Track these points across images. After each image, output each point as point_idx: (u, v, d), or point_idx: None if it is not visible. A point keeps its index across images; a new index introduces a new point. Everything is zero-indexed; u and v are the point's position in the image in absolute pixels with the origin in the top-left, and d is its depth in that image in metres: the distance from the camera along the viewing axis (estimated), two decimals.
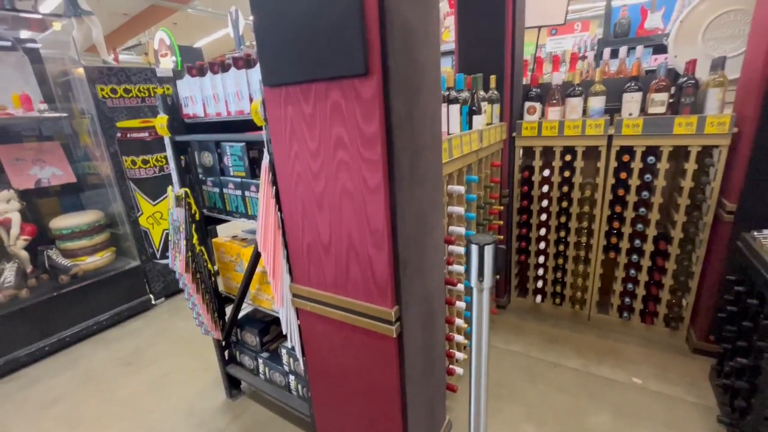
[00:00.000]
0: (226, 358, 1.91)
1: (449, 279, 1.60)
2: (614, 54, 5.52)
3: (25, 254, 2.49)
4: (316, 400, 1.45)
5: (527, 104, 2.21)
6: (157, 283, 3.00)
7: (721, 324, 1.72)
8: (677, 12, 5.08)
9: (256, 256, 1.46)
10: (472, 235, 0.98)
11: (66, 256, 2.63)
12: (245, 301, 1.66)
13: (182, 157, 1.61)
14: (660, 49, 3.76)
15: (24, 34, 2.66)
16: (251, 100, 1.29)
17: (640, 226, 2.07)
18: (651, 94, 1.92)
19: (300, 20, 0.93)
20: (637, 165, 1.99)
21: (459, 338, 1.70)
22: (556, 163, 2.19)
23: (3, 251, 2.44)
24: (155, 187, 2.84)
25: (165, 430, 1.80)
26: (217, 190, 1.58)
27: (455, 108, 1.60)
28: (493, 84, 2.09)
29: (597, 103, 2.04)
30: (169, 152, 1.57)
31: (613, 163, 2.05)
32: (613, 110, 2.14)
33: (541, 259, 2.40)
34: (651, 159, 1.96)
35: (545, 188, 2.25)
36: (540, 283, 2.47)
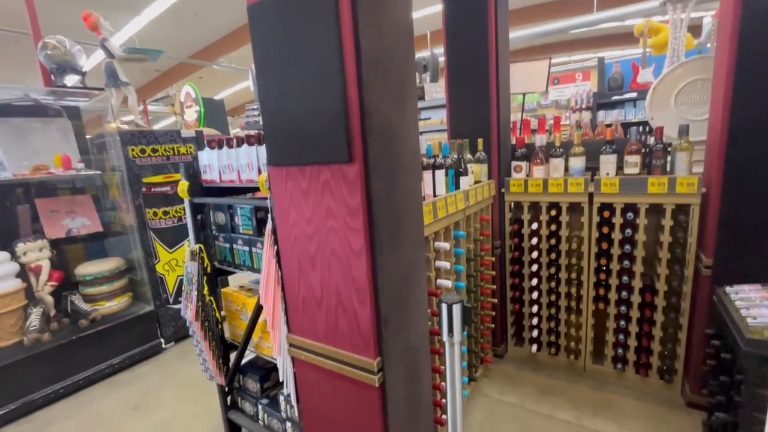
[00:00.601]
0: (228, 404, 2.00)
1: (435, 330, 1.71)
2: (608, 106, 5.79)
3: (50, 299, 2.69)
4: None
5: (514, 163, 2.40)
6: (169, 328, 3.14)
7: (706, 377, 1.76)
8: (666, 68, 5.40)
9: (259, 308, 1.61)
10: (443, 295, 1.12)
11: (87, 301, 2.82)
12: (248, 348, 1.79)
13: (199, 215, 1.82)
14: None
15: (68, 99, 3.04)
16: (260, 171, 1.50)
17: (625, 278, 2.16)
18: (626, 156, 2.10)
19: (298, 117, 1.15)
20: (617, 220, 2.12)
21: None
22: (543, 217, 2.34)
23: (31, 296, 2.64)
24: (173, 236, 3.06)
25: None
26: (227, 245, 1.77)
27: (441, 173, 1.79)
28: (480, 146, 2.30)
29: (577, 163, 2.21)
30: (187, 212, 1.78)
31: (596, 218, 2.19)
32: (594, 168, 2.30)
33: (535, 308, 2.47)
34: (630, 215, 2.09)
35: (534, 240, 2.38)
36: (535, 333, 2.52)
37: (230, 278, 2.05)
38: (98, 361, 2.71)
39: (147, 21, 9.94)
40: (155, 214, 2.95)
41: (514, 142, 2.54)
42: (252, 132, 1.54)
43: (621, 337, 2.24)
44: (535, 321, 2.49)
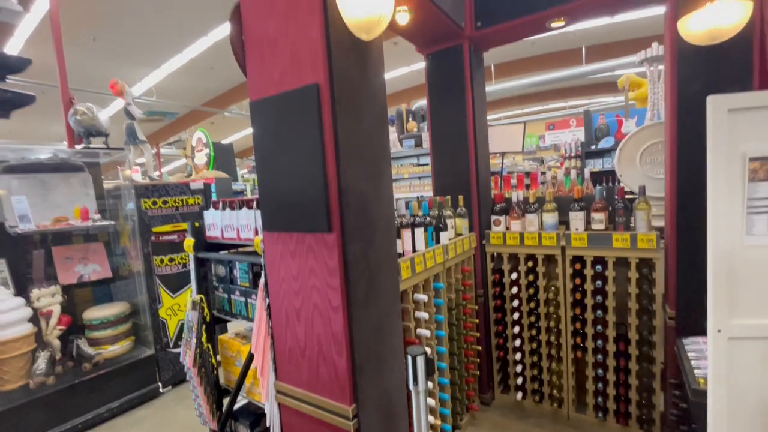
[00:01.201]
0: None
1: None
2: (596, 155, 6.08)
3: (57, 343, 2.83)
4: None
5: (493, 217, 2.61)
6: (167, 372, 3.23)
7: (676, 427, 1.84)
8: (648, 120, 5.73)
9: (251, 356, 1.76)
10: (408, 347, 1.28)
11: (91, 344, 2.95)
12: (240, 393, 1.90)
13: (202, 268, 2.01)
14: None
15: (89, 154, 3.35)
16: (256, 232, 1.71)
17: (599, 327, 2.28)
18: (592, 213, 2.29)
19: (288, 192, 1.37)
20: (588, 272, 2.28)
21: None
22: (522, 268, 2.50)
23: (40, 339, 2.79)
24: (176, 282, 3.24)
25: None
26: (226, 295, 1.94)
27: (420, 231, 1.99)
28: (461, 202, 2.51)
29: (550, 219, 2.41)
30: (192, 265, 1.97)
31: (569, 270, 2.35)
32: (567, 222, 2.49)
33: (518, 355, 2.57)
34: (599, 267, 2.25)
35: (515, 289, 2.53)
36: (520, 380, 2.60)
37: (228, 325, 2.21)
38: (98, 405, 2.79)
39: (165, 74, 10.72)
40: (162, 261, 3.14)
41: (494, 195, 2.76)
42: (249, 198, 1.77)
43: (600, 385, 2.32)
44: (519, 368, 2.58)
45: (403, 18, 2.09)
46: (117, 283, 3.37)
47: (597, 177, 6.10)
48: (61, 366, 2.80)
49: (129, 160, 3.26)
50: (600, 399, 2.33)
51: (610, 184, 5.13)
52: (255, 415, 2.05)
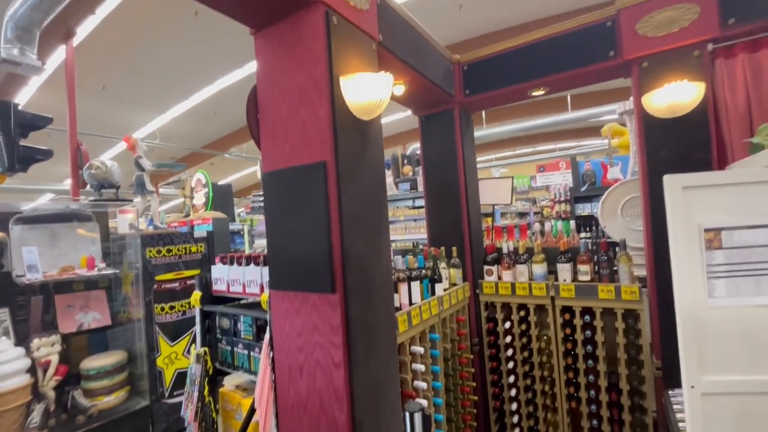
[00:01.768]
0: None
1: None
2: (584, 199, 6.31)
3: (52, 394, 2.80)
4: None
5: (486, 267, 2.73)
6: (161, 423, 3.17)
7: None
8: (630, 168, 6.00)
9: (252, 410, 1.80)
10: (406, 404, 1.35)
11: (86, 395, 2.92)
12: None
13: (206, 320, 2.09)
14: None
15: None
16: (262, 288, 1.81)
17: (591, 377, 2.34)
18: (578, 264, 2.43)
19: (295, 255, 1.50)
20: (578, 322, 2.37)
21: None
22: (514, 317, 2.59)
23: (35, 391, 2.77)
24: (175, 329, 3.26)
25: None
26: (229, 348, 2.01)
27: (416, 284, 2.10)
28: (455, 253, 2.65)
29: (539, 270, 2.54)
30: (197, 318, 2.05)
31: (559, 319, 2.44)
32: (555, 271, 2.62)
33: (514, 405, 2.60)
34: (587, 317, 2.35)
35: (508, 338, 2.60)
36: (517, 431, 2.61)
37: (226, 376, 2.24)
38: None
39: (169, 119, 11.14)
40: (162, 309, 3.19)
41: (486, 245, 2.90)
42: (260, 252, 1.88)
43: None
44: (516, 419, 2.60)
45: (399, 90, 2.33)
46: (114, 330, 3.38)
47: (586, 220, 6.31)
48: (55, 419, 2.76)
49: (136, 210, 3.39)
50: None
51: (597, 228, 5.32)
52: None
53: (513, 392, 2.60)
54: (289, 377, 1.56)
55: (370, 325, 1.52)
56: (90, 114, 9.38)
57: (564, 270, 2.44)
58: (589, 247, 2.49)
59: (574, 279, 2.45)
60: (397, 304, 2.02)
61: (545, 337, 2.55)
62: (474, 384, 2.58)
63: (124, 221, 3.56)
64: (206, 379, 1.94)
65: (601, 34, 2.22)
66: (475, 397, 2.53)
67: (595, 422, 2.34)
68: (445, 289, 2.39)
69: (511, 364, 2.60)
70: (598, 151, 14.37)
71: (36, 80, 7.68)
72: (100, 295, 3.29)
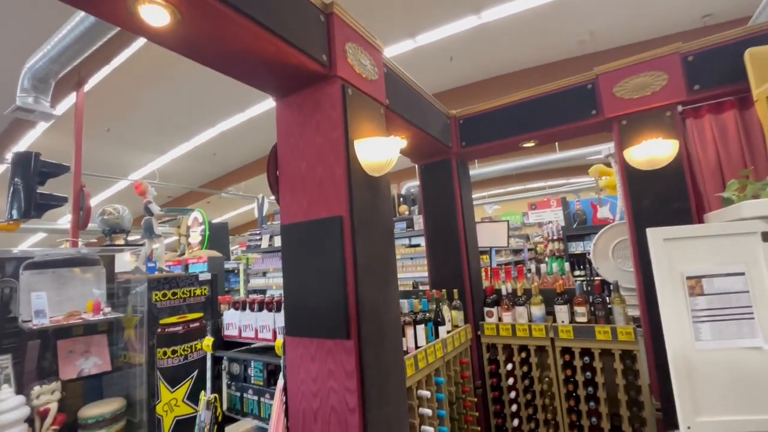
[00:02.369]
0: None
1: None
2: (576, 238, 6.48)
3: None
4: None
5: (486, 309, 2.82)
6: None
7: None
8: (619, 208, 6.22)
9: None
10: None
11: None
12: None
13: (216, 366, 2.13)
14: None
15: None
16: (274, 333, 1.88)
17: (594, 419, 2.38)
18: (575, 306, 2.53)
19: (312, 304, 1.59)
20: (577, 363, 2.44)
21: None
22: (516, 359, 2.65)
23: None
24: (176, 375, 3.23)
25: None
26: (238, 394, 2.04)
27: (421, 327, 2.18)
28: (456, 295, 2.74)
29: (537, 311, 2.64)
30: (208, 363, 2.09)
31: (560, 360, 2.51)
32: (553, 312, 2.71)
33: None
34: (587, 358, 2.42)
35: (511, 380, 2.64)
36: None
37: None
38: None
39: (169, 159, 11.39)
40: (164, 353, 3.18)
41: (485, 286, 3.00)
42: (272, 297, 1.96)
43: None
44: None
45: (402, 144, 2.53)
46: (112, 376, 3.33)
47: (579, 259, 6.45)
48: None
49: (144, 253, 3.46)
50: None
51: (590, 267, 5.45)
52: None
53: None
54: (303, 423, 1.60)
55: (383, 370, 1.59)
56: (93, 155, 9.59)
57: (561, 312, 2.54)
58: (584, 289, 2.60)
59: (572, 320, 2.54)
60: (404, 348, 2.10)
61: (547, 379, 2.59)
62: (479, 428, 2.58)
63: (123, 261, 3.62)
64: (215, 426, 1.96)
65: (583, 95, 2.47)
66: None
67: None
68: (448, 332, 2.47)
69: (514, 407, 2.62)
70: (586, 189, 14.86)
71: (42, 125, 7.92)
72: (101, 339, 3.28)
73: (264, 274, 8.18)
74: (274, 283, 7.87)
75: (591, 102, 2.43)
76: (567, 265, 3.10)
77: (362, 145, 1.62)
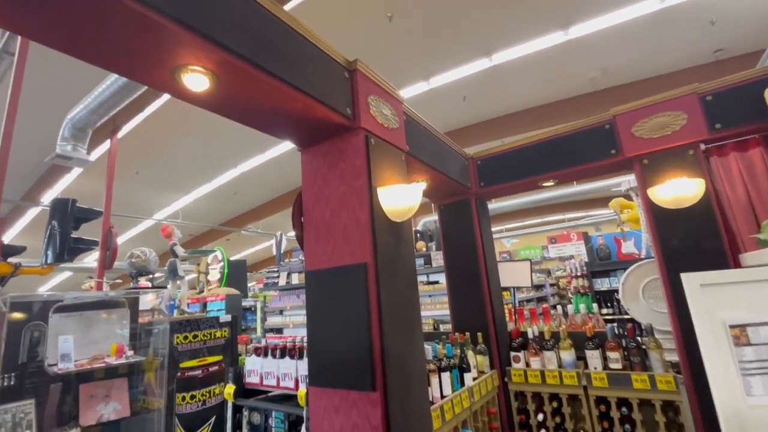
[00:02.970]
0: None
1: None
2: (601, 274, 6.28)
3: None
4: None
5: (512, 354, 2.71)
6: None
7: None
8: (644, 243, 6.05)
9: None
10: None
11: None
12: None
13: (236, 414, 2.08)
14: None
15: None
16: (296, 382, 1.85)
17: None
18: (607, 351, 2.41)
19: (337, 354, 1.57)
20: (615, 414, 2.29)
21: None
22: (547, 408, 2.50)
23: None
24: (194, 421, 3.16)
25: None
26: None
27: (446, 375, 2.10)
28: (480, 339, 2.65)
29: (567, 356, 2.52)
30: (229, 413, 2.05)
31: (595, 411, 2.36)
32: (584, 357, 2.58)
33: None
34: (624, 410, 2.27)
35: None
36: None
37: None
38: None
39: (192, 199, 11.79)
40: (183, 398, 3.14)
41: (511, 329, 2.90)
42: (294, 343, 1.94)
43: None
44: None
45: (422, 186, 2.57)
46: (130, 421, 3.29)
47: (605, 296, 6.21)
48: None
49: (167, 294, 3.52)
50: None
51: (619, 305, 5.22)
52: None
53: None
54: None
55: (409, 423, 1.53)
56: (122, 196, 10.03)
57: (593, 357, 2.42)
58: (616, 332, 2.49)
59: (605, 366, 2.41)
60: (429, 398, 2.02)
61: (582, 431, 2.43)
62: None
63: (146, 300, 3.68)
64: None
65: (602, 135, 2.49)
66: None
67: None
68: (474, 378, 2.37)
69: None
70: (607, 222, 14.55)
71: (76, 169, 8.40)
72: (122, 383, 3.27)
73: (281, 312, 8.14)
74: (291, 322, 7.80)
75: (610, 142, 2.44)
76: (595, 306, 2.99)
77: (385, 192, 1.66)
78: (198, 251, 3.60)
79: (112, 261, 5.57)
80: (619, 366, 2.34)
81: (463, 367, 2.31)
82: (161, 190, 10.97)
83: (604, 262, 6.40)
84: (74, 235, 3.12)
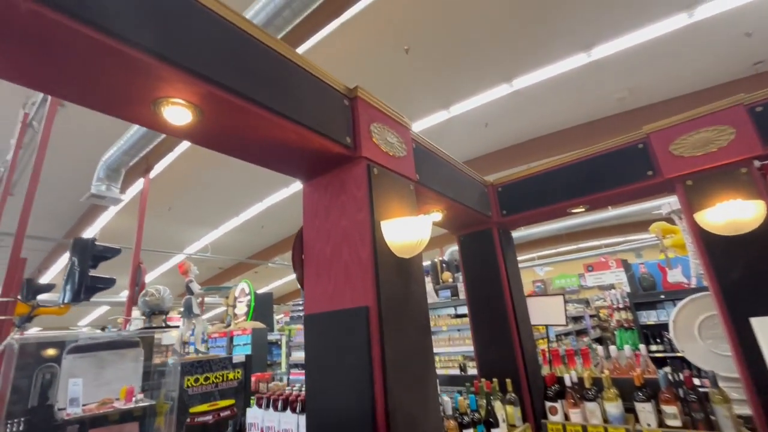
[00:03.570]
0: None
1: None
2: (647, 306, 5.73)
3: None
4: None
5: (548, 404, 2.38)
6: None
7: None
8: (694, 270, 5.52)
9: None
10: None
11: None
12: None
13: None
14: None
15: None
16: None
17: None
18: (662, 405, 2.05)
19: (335, 408, 1.38)
20: None
21: None
22: None
23: None
24: None
25: None
26: None
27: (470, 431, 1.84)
28: (510, 387, 2.36)
29: (613, 409, 2.17)
30: None
31: None
32: (632, 408, 2.21)
33: None
34: None
35: None
36: None
37: None
38: None
39: (221, 233, 12.07)
40: None
41: (545, 373, 2.58)
42: (297, 393, 1.77)
43: None
44: None
45: (437, 216, 2.40)
46: None
47: (653, 330, 5.62)
48: None
49: (181, 333, 3.44)
50: None
51: (670, 343, 4.66)
52: None
53: None
54: None
55: None
56: (155, 231, 10.41)
57: (645, 411, 2.07)
58: (671, 380, 2.13)
59: (660, 423, 2.05)
60: None
61: None
62: None
63: (170, 337, 3.61)
64: None
65: (635, 155, 2.25)
66: None
67: None
68: None
69: None
70: (649, 247, 13.58)
71: (114, 207, 8.83)
72: (133, 428, 3.15)
73: None
74: None
75: (645, 162, 2.20)
76: (642, 349, 2.63)
77: (390, 225, 1.50)
78: (213, 288, 3.54)
79: None
80: (678, 423, 1.98)
81: (490, 422, 2.03)
82: (192, 225, 11.33)
83: (649, 293, 5.84)
84: (93, 273, 3.13)
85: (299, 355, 8.21)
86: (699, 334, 2.53)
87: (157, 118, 1.15)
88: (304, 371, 2.79)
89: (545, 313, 2.89)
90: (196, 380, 3.15)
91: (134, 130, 5.39)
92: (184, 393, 3.08)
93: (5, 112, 5.40)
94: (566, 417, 2.33)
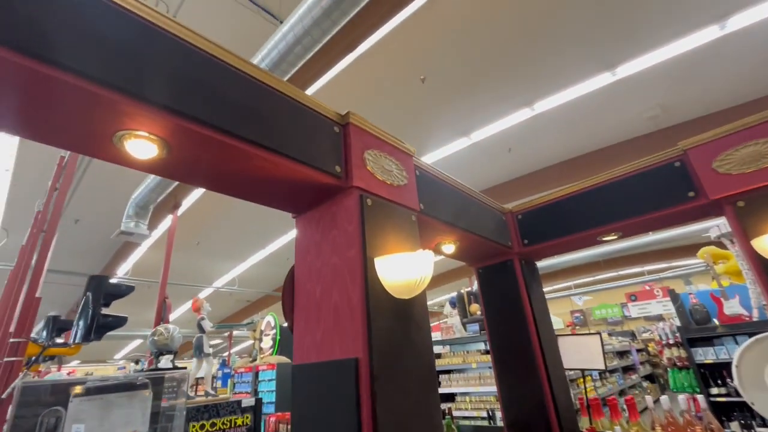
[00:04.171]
0: None
1: None
2: (702, 341, 5.10)
3: None
4: None
5: None
6: None
7: None
8: (755, 301, 4.90)
9: None
10: None
11: None
12: None
13: None
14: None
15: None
16: None
17: None
18: None
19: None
20: None
21: None
22: None
23: None
24: None
25: None
26: None
27: None
28: None
29: None
30: None
31: None
32: None
33: None
34: None
35: None
36: None
37: None
38: None
39: (248, 266, 12.20)
40: None
41: (584, 428, 2.23)
42: None
43: None
44: None
45: (449, 249, 2.20)
46: None
47: (711, 370, 4.96)
48: None
49: (189, 375, 3.32)
50: None
51: (734, 389, 4.05)
52: None
53: None
54: None
55: None
56: (183, 265, 10.66)
57: None
58: None
59: None
60: None
61: None
62: None
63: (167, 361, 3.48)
64: None
65: (672, 174, 1.99)
66: None
67: None
68: None
69: None
70: (698, 273, 12.44)
71: (147, 243, 9.15)
72: None
73: None
74: None
75: (685, 182, 1.93)
76: (702, 398, 2.24)
77: (384, 263, 1.33)
78: (225, 326, 3.43)
79: None
80: None
81: None
82: (220, 258, 11.53)
83: (704, 327, 5.22)
84: (105, 311, 3.11)
85: None
86: None
87: (120, 153, 1.07)
88: None
89: (580, 355, 2.55)
90: (202, 427, 2.98)
91: None
92: None
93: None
94: None
